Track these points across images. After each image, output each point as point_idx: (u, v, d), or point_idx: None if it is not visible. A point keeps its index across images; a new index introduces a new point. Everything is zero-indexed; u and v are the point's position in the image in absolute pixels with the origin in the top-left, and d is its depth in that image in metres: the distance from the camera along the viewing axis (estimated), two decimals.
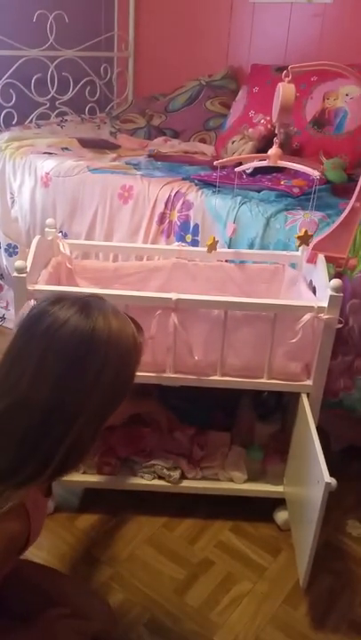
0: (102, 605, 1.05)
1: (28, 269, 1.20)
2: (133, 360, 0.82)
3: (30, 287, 1.19)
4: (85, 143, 2.13)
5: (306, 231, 1.27)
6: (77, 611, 0.98)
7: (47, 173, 1.86)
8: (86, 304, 0.77)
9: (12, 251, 2.03)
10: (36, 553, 1.31)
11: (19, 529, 0.79)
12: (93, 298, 0.81)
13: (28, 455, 0.75)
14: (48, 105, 2.47)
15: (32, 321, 0.76)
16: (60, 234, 1.80)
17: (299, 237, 1.28)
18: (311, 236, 1.29)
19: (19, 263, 1.19)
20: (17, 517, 0.78)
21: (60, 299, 0.78)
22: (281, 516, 1.39)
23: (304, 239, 1.28)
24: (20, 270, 1.18)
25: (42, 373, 0.74)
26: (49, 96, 2.45)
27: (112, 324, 0.77)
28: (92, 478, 1.39)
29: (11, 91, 2.29)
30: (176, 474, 1.35)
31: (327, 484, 1.04)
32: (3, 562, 0.80)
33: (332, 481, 1.04)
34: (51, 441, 0.75)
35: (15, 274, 1.18)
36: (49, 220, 1.44)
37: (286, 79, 1.17)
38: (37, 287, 1.20)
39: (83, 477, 1.39)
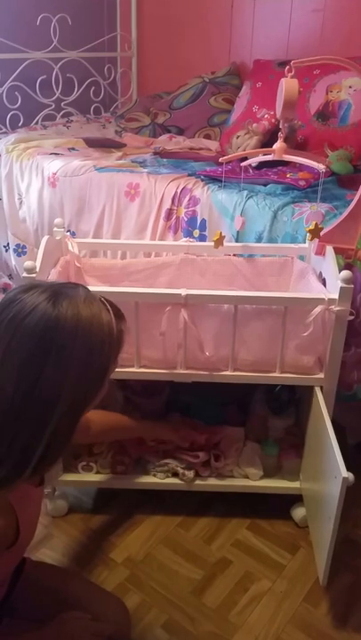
0: (117, 606, 1.04)
1: (37, 269, 1.20)
2: (108, 348, 0.79)
3: None
4: (91, 143, 2.13)
5: (316, 224, 1.26)
6: (92, 612, 0.97)
7: (54, 174, 1.86)
8: (56, 292, 0.76)
9: (20, 251, 2.04)
10: (51, 554, 1.30)
11: (2, 524, 0.78)
12: (66, 286, 0.79)
13: (5, 452, 0.73)
14: (53, 106, 2.48)
15: (1, 308, 0.75)
16: (68, 233, 1.80)
17: (310, 231, 1.26)
18: (322, 228, 1.27)
19: (28, 264, 1.19)
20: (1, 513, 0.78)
21: (31, 286, 0.77)
22: (298, 512, 1.37)
23: (316, 232, 1.26)
24: (30, 270, 1.18)
25: (9, 362, 0.72)
26: (54, 97, 2.47)
27: (81, 311, 0.75)
28: (106, 478, 1.37)
29: (16, 93, 2.31)
30: (190, 473, 1.34)
31: (345, 479, 1.02)
32: None
33: (350, 475, 1.02)
34: (28, 434, 0.73)
35: (25, 274, 1.18)
36: (57, 220, 1.44)
37: (289, 74, 1.17)
38: None
39: (96, 477, 1.38)
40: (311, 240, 1.34)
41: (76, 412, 0.78)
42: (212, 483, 1.36)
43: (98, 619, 0.97)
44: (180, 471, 1.34)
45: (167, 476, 1.36)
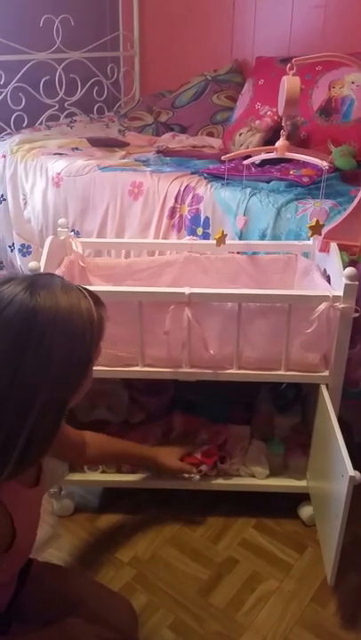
0: (125, 607, 1.03)
1: (42, 269, 1.20)
2: (89, 336, 0.78)
3: None
4: (95, 142, 2.13)
5: (317, 220, 1.25)
6: (99, 613, 0.96)
7: (58, 174, 1.86)
8: (33, 282, 0.75)
9: (25, 251, 2.04)
10: (57, 554, 1.30)
11: None
12: (43, 276, 0.79)
13: None
14: (57, 106, 2.49)
15: None
16: (72, 232, 1.81)
17: (311, 227, 1.26)
18: (323, 225, 1.26)
19: (32, 264, 1.19)
20: None
21: (9, 279, 0.76)
22: (305, 511, 1.36)
23: (316, 229, 1.25)
24: (34, 271, 1.18)
25: None
26: (57, 98, 2.47)
27: (59, 300, 0.75)
28: (112, 478, 1.37)
29: (20, 94, 2.31)
30: (196, 475, 1.33)
31: (352, 478, 1.01)
32: None
33: (357, 474, 1.01)
34: (7, 427, 0.72)
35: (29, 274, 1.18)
36: (61, 220, 1.44)
37: (291, 72, 1.17)
38: None
39: (102, 477, 1.37)
40: (312, 236, 1.33)
41: (59, 404, 0.77)
42: (219, 482, 1.35)
43: (105, 620, 0.96)
44: (187, 476, 1.33)
45: (173, 475, 1.35)
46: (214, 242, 1.37)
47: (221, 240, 1.34)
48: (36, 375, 0.73)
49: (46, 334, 0.73)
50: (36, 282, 0.75)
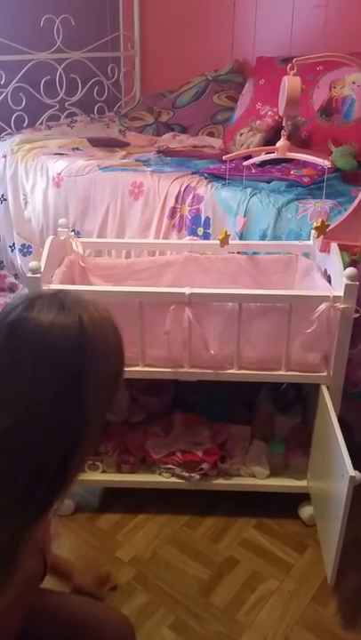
0: (122, 623, 1.01)
1: (42, 269, 1.20)
2: (120, 337, 0.75)
3: (45, 287, 1.19)
4: (95, 142, 2.13)
5: (323, 221, 1.25)
6: (97, 631, 0.95)
7: (59, 174, 1.86)
8: (62, 301, 0.70)
9: (25, 251, 2.04)
10: (57, 554, 1.30)
11: (34, 564, 0.75)
12: (64, 293, 0.73)
13: (36, 481, 0.67)
14: (58, 107, 2.49)
15: (12, 331, 0.68)
16: (73, 232, 1.81)
17: (316, 228, 1.25)
18: (328, 225, 1.26)
19: (33, 264, 1.19)
20: (31, 553, 0.74)
21: (33, 301, 0.70)
22: (306, 511, 1.36)
23: (322, 229, 1.25)
24: (35, 270, 1.19)
25: (40, 384, 0.66)
26: (58, 98, 2.47)
27: (94, 313, 0.71)
28: (112, 477, 1.37)
29: (20, 94, 2.31)
30: (196, 475, 1.33)
31: (352, 478, 1.01)
32: (26, 598, 0.76)
33: (357, 474, 1.01)
34: (57, 460, 0.68)
35: (30, 274, 1.18)
36: (61, 220, 1.44)
37: (291, 72, 1.17)
38: (52, 287, 1.20)
39: (102, 477, 1.38)
40: (317, 237, 1.33)
41: (103, 422, 0.74)
42: (219, 482, 1.35)
43: (101, 637, 0.95)
44: (187, 475, 1.33)
45: (173, 475, 1.35)
46: (215, 242, 1.38)
47: (225, 241, 1.34)
48: (92, 396, 0.69)
49: (96, 350, 0.69)
50: (64, 301, 0.70)
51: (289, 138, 1.28)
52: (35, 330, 0.67)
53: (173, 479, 1.35)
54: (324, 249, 1.30)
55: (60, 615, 0.98)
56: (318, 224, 1.24)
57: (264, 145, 1.79)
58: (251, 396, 1.48)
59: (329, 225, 1.27)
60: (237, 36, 2.46)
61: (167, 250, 1.52)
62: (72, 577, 1.14)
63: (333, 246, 1.26)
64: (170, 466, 1.35)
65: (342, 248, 1.26)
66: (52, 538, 0.92)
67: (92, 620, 0.98)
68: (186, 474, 1.33)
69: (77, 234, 1.83)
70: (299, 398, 1.44)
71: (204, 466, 1.33)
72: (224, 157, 1.43)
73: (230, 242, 1.39)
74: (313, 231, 1.28)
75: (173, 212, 1.66)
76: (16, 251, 2.07)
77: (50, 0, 2.36)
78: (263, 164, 1.71)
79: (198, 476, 1.33)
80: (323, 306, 1.13)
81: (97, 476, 1.37)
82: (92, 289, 1.27)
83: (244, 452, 1.38)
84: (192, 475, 1.33)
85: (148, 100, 2.60)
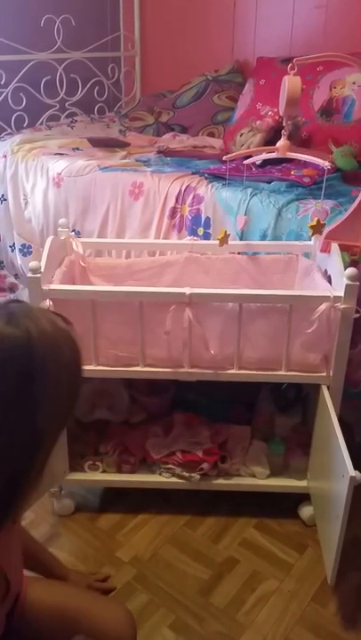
0: (121, 613, 1.01)
1: (42, 269, 1.20)
2: (79, 354, 0.72)
3: (45, 287, 1.18)
4: (95, 143, 2.13)
5: (318, 220, 1.25)
6: (95, 623, 0.95)
7: (59, 174, 1.86)
8: (11, 312, 0.67)
9: (26, 251, 2.04)
10: (57, 554, 1.29)
11: None
12: (14, 303, 0.70)
13: None
14: (58, 107, 2.49)
15: None
16: (73, 233, 1.81)
17: (312, 227, 1.26)
18: (324, 224, 1.26)
19: (33, 264, 1.19)
20: None
21: None
22: (306, 511, 1.36)
23: (317, 228, 1.25)
24: (35, 271, 1.18)
25: None
26: (58, 98, 2.47)
27: (44, 324, 0.67)
28: (112, 477, 1.37)
29: (21, 94, 2.32)
30: (196, 475, 1.33)
31: (352, 478, 1.01)
32: None
33: (358, 474, 1.01)
34: (6, 480, 0.66)
35: (30, 274, 1.18)
36: (61, 220, 1.44)
37: (292, 72, 1.17)
38: (52, 287, 1.20)
39: (102, 477, 1.38)
40: (313, 236, 1.33)
41: (57, 439, 0.72)
42: (219, 482, 1.35)
43: (103, 631, 0.95)
44: (187, 475, 1.33)
45: (174, 475, 1.35)
46: (215, 242, 1.38)
47: (225, 240, 1.34)
48: (47, 411, 0.67)
49: (48, 362, 0.66)
50: (13, 311, 0.67)
51: (289, 138, 1.29)
52: None
53: (173, 479, 1.35)
54: (325, 249, 1.30)
55: (59, 605, 0.98)
56: (314, 223, 1.25)
57: (264, 145, 1.79)
58: (251, 396, 1.48)
59: (325, 224, 1.27)
60: (238, 37, 2.46)
61: (167, 250, 1.52)
62: (67, 579, 1.12)
63: (334, 246, 1.26)
64: (170, 466, 1.35)
65: (343, 248, 1.26)
66: (18, 557, 0.90)
67: (89, 612, 0.98)
68: (186, 474, 1.33)
69: (78, 234, 1.83)
70: (299, 398, 1.44)
71: (205, 466, 1.33)
72: (224, 157, 1.43)
73: (230, 242, 1.39)
74: (309, 230, 1.28)
75: (174, 212, 1.66)
76: (16, 251, 2.07)
77: (50, 0, 2.36)
78: (264, 164, 1.72)
79: (198, 476, 1.33)
80: (323, 306, 1.13)
81: (97, 476, 1.37)
82: (93, 289, 1.27)
83: (245, 451, 1.38)
84: (192, 475, 1.33)
85: (149, 100, 2.60)
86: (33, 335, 0.65)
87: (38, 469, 0.69)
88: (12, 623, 0.93)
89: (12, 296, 2.24)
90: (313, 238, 1.38)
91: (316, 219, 1.24)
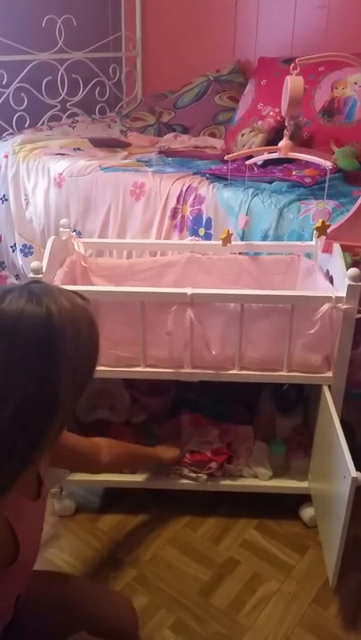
0: (123, 604, 1.02)
1: (43, 270, 1.20)
2: (96, 329, 0.78)
3: None
4: (97, 143, 2.13)
5: (323, 221, 1.24)
6: (98, 614, 0.95)
7: (60, 174, 1.86)
8: (31, 291, 0.73)
9: (27, 251, 2.04)
10: (58, 554, 1.30)
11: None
12: (34, 283, 0.76)
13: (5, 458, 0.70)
14: (59, 107, 2.49)
15: None
16: (74, 233, 1.81)
17: (317, 228, 1.25)
18: (329, 225, 1.26)
19: (35, 264, 1.19)
20: None
21: (4, 294, 0.72)
22: (307, 512, 1.36)
23: (322, 229, 1.25)
24: (37, 271, 1.19)
25: (11, 374, 0.69)
26: (60, 98, 2.47)
27: (64, 302, 0.73)
28: (113, 478, 1.37)
29: (22, 94, 2.32)
30: (203, 475, 1.33)
31: (354, 479, 1.01)
32: None
33: (359, 475, 1.01)
34: (25, 443, 0.71)
35: (31, 274, 1.19)
36: (63, 220, 1.44)
37: (294, 72, 1.17)
38: None
39: (103, 477, 1.37)
40: (318, 237, 1.33)
41: (71, 415, 0.77)
42: (221, 483, 1.35)
43: (106, 620, 0.95)
44: (194, 476, 1.33)
45: (181, 475, 1.35)
46: (216, 242, 1.38)
47: (228, 240, 1.34)
48: (64, 383, 0.72)
49: (68, 337, 0.71)
50: (33, 291, 0.73)
51: (291, 138, 1.28)
52: (4, 320, 0.70)
53: (175, 480, 1.35)
54: (327, 249, 1.30)
55: (58, 600, 0.98)
56: (319, 224, 1.24)
57: (266, 145, 1.79)
58: (251, 397, 1.48)
59: (330, 225, 1.27)
60: (239, 37, 2.46)
61: (169, 250, 1.52)
62: (160, 456, 1.30)
63: (336, 247, 1.26)
64: (177, 467, 1.34)
65: (345, 249, 1.26)
66: (39, 528, 0.92)
67: (93, 603, 0.99)
68: (193, 474, 1.33)
69: (79, 234, 1.83)
70: (300, 399, 1.44)
71: (213, 465, 1.33)
72: (226, 158, 1.43)
73: (232, 242, 1.39)
74: (315, 231, 1.28)
75: (175, 212, 1.66)
76: (17, 251, 2.07)
77: (52, 0, 2.36)
78: (265, 164, 1.71)
79: (205, 476, 1.33)
80: (325, 306, 1.13)
81: (98, 477, 1.37)
82: (94, 289, 1.26)
83: (248, 452, 1.38)
84: (200, 474, 1.33)
85: (150, 100, 2.60)
86: (53, 311, 0.70)
87: (52, 439, 0.74)
88: (16, 609, 0.93)
89: None
90: (315, 239, 1.38)
91: (321, 220, 1.24)
